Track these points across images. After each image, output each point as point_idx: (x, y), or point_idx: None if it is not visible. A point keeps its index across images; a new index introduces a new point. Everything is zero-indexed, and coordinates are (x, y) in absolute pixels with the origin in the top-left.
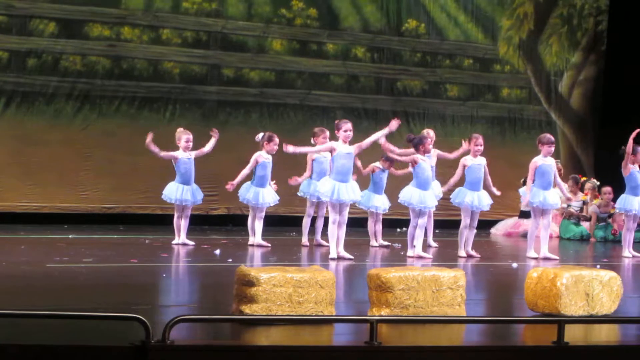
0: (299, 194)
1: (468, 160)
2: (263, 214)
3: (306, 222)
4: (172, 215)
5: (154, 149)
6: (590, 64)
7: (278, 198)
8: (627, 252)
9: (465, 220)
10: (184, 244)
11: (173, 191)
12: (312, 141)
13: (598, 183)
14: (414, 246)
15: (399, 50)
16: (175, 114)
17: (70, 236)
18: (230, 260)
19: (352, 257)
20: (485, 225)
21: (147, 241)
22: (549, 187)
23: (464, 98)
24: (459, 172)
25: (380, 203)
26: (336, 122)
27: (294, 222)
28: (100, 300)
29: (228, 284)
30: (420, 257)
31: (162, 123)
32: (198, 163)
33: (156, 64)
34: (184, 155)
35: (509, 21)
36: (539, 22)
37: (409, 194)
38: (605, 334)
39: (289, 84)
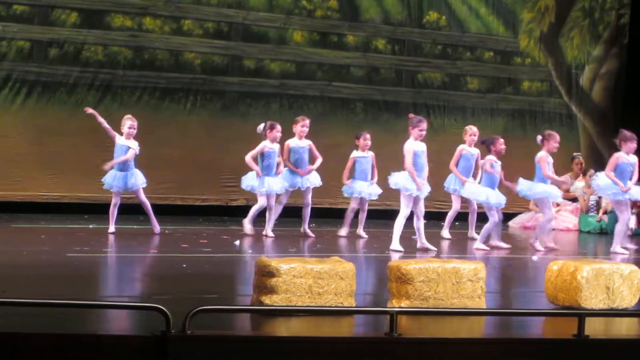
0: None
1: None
2: (273, 203)
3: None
4: (192, 206)
5: (100, 118)
6: (612, 57)
7: (287, 185)
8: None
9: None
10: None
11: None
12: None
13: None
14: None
15: (420, 42)
16: (196, 104)
17: (90, 226)
18: (250, 251)
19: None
20: (505, 218)
21: (166, 231)
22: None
23: (485, 91)
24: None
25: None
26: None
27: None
28: (121, 290)
29: (248, 275)
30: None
31: (182, 114)
32: (218, 153)
33: (177, 55)
34: (124, 141)
35: (530, 14)
36: (560, 15)
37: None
38: (626, 327)
39: (309, 75)
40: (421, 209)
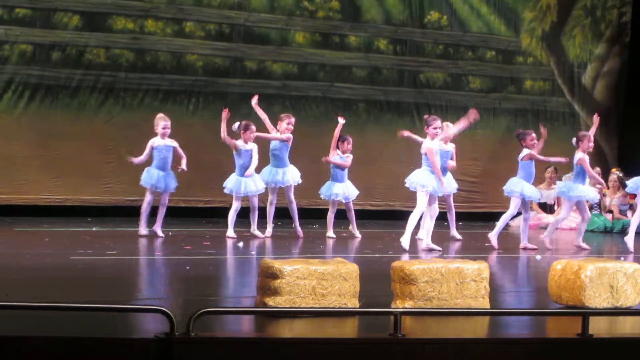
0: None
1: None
2: (256, 203)
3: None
4: (195, 208)
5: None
6: (614, 55)
7: (263, 187)
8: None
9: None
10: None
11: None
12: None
13: (621, 175)
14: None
15: (422, 42)
16: (198, 106)
17: (94, 229)
18: (253, 252)
19: (440, 248)
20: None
21: (170, 234)
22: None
23: (487, 90)
24: None
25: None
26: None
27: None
28: (124, 293)
29: (251, 276)
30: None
31: (185, 116)
32: (221, 155)
33: (179, 57)
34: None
35: (532, 13)
36: (562, 14)
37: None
38: (630, 326)
39: (311, 76)
40: (435, 209)
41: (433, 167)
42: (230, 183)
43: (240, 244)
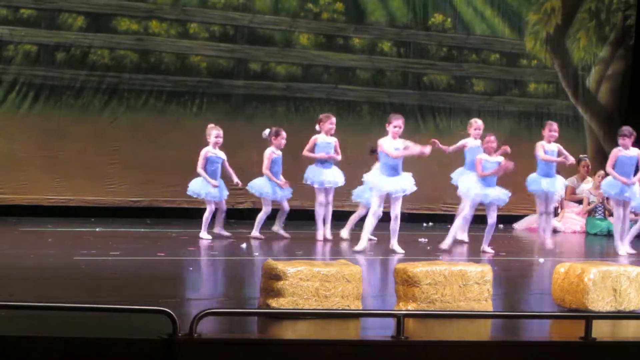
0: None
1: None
2: (287, 206)
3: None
4: (201, 209)
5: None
6: (618, 58)
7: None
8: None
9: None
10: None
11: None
12: (316, 127)
13: None
14: None
15: (425, 44)
16: (202, 108)
17: (97, 229)
18: (256, 254)
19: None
20: (508, 220)
21: (173, 235)
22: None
23: (491, 93)
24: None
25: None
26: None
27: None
28: (127, 294)
29: (255, 278)
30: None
31: (189, 117)
32: (227, 156)
33: (183, 58)
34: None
35: (536, 16)
36: (567, 17)
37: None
38: (633, 330)
39: (315, 78)
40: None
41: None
42: (261, 187)
43: (244, 246)
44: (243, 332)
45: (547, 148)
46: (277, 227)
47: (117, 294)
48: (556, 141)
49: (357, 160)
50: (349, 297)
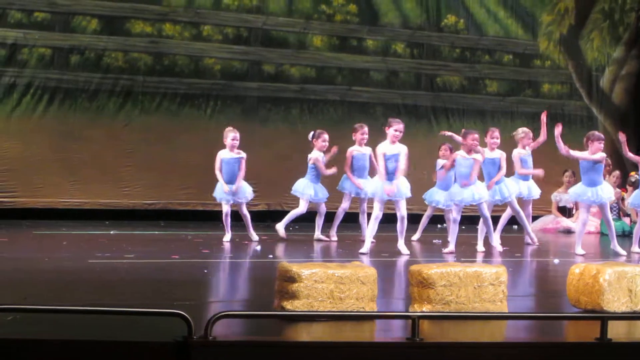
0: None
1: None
2: (324, 209)
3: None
4: (215, 212)
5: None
6: (632, 58)
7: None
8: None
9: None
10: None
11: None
12: (352, 137)
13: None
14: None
15: (439, 45)
16: (215, 110)
17: (111, 232)
18: (270, 256)
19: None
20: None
21: (188, 237)
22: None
23: (504, 94)
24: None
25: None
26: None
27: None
28: (142, 296)
29: (269, 280)
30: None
31: (203, 119)
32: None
33: (197, 61)
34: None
35: (550, 16)
36: (580, 17)
37: None
38: None
39: (329, 80)
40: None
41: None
42: (304, 188)
43: (258, 248)
44: (258, 334)
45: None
46: (317, 233)
47: (132, 297)
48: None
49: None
50: (363, 299)
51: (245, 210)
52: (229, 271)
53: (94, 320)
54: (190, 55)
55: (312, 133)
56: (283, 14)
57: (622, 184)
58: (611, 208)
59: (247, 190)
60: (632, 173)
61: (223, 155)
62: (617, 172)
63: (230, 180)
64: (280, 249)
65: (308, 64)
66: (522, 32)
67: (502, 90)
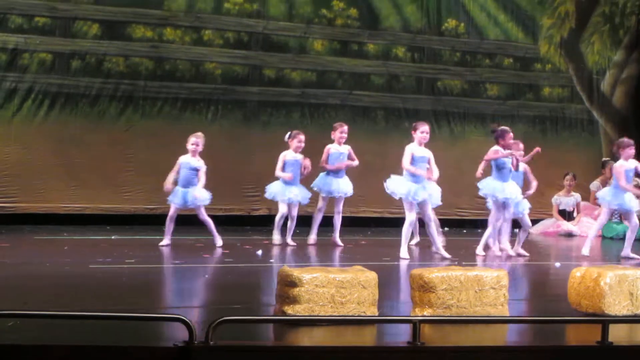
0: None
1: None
2: (295, 212)
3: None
4: (217, 216)
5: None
6: (633, 62)
7: (309, 195)
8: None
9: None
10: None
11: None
12: (332, 136)
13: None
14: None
15: (439, 49)
16: (217, 115)
17: (113, 237)
18: (272, 260)
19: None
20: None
21: (189, 242)
22: None
23: (505, 97)
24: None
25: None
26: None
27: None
28: (143, 301)
29: (270, 285)
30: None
31: (204, 124)
32: (240, 163)
33: (198, 65)
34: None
35: (550, 20)
36: (581, 21)
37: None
38: None
39: (330, 84)
40: (428, 215)
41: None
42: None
43: (259, 252)
44: (259, 339)
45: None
46: (288, 237)
47: (133, 302)
48: (569, 147)
49: (372, 166)
50: (364, 303)
51: (204, 216)
52: (230, 276)
53: (96, 326)
54: (191, 60)
55: (288, 133)
56: (284, 19)
57: None
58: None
59: (200, 197)
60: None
61: (182, 159)
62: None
63: (186, 186)
64: (281, 253)
65: (309, 68)
66: (522, 35)
67: (503, 94)
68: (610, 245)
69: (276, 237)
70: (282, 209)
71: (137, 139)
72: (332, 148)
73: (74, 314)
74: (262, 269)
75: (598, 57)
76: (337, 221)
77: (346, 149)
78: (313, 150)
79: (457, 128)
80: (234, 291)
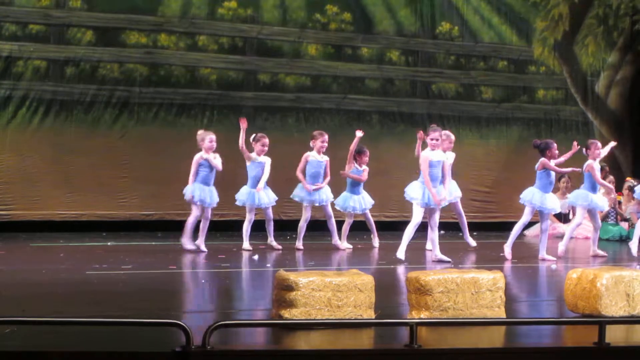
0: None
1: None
2: (271, 214)
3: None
4: (213, 222)
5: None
6: (627, 63)
7: (275, 199)
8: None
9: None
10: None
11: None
12: (310, 144)
13: (636, 183)
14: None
15: (434, 53)
16: (212, 120)
17: (109, 243)
18: (268, 265)
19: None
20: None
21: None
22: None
23: (499, 100)
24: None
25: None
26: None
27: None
28: (140, 307)
29: (267, 289)
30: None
31: (199, 129)
32: (236, 169)
33: (193, 71)
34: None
35: (544, 22)
36: (574, 23)
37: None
38: None
39: (324, 88)
40: (435, 220)
41: (424, 177)
42: (243, 195)
43: (256, 257)
44: (256, 343)
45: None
46: (270, 239)
47: (130, 308)
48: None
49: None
50: (361, 306)
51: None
52: (226, 281)
53: (93, 332)
54: (186, 66)
55: (253, 136)
56: (278, 23)
57: (618, 188)
58: (609, 213)
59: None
60: (628, 178)
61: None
62: (612, 178)
63: (207, 183)
64: (277, 257)
65: (303, 73)
66: (516, 38)
67: (498, 97)
68: (606, 246)
69: (299, 243)
70: (307, 214)
71: (132, 145)
72: (311, 156)
73: (71, 320)
74: (259, 273)
75: (592, 59)
76: (332, 225)
77: (325, 159)
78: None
79: (452, 131)
80: (231, 295)
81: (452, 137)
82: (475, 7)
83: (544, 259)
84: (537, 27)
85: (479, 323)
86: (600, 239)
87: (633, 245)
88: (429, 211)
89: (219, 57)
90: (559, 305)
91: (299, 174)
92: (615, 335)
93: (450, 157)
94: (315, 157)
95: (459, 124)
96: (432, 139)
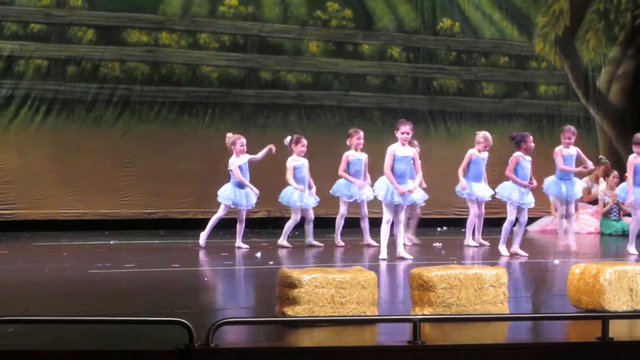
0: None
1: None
2: (311, 215)
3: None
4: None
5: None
6: (629, 58)
7: (318, 199)
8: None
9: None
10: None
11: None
12: (347, 142)
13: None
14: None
15: (435, 49)
16: (214, 118)
17: (111, 242)
18: (271, 262)
19: (411, 257)
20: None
21: (188, 245)
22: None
23: (501, 96)
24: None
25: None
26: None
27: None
28: (143, 305)
29: (270, 286)
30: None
31: (201, 127)
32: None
33: (194, 69)
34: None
35: (545, 18)
36: (575, 18)
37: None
38: None
39: (326, 85)
40: (399, 217)
41: (385, 171)
42: (288, 196)
43: (258, 254)
44: (259, 340)
45: (565, 153)
46: (310, 239)
47: (133, 306)
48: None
49: (369, 166)
50: (364, 303)
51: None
52: (229, 278)
53: (96, 330)
54: (187, 64)
55: (289, 138)
56: (279, 21)
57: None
58: (611, 208)
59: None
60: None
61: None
62: (615, 173)
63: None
64: (280, 255)
65: (305, 70)
66: (517, 34)
67: (499, 93)
68: (609, 241)
69: (338, 238)
70: (343, 209)
71: (134, 143)
72: (350, 155)
73: (74, 319)
74: (262, 270)
75: (593, 54)
76: (365, 224)
77: (364, 156)
78: (310, 151)
79: (454, 127)
80: (234, 293)
81: (490, 138)
82: (476, 3)
83: (515, 253)
84: (538, 23)
85: (482, 319)
86: (602, 234)
87: (630, 247)
88: (393, 207)
89: (220, 55)
90: (562, 301)
91: (342, 173)
92: (618, 330)
93: (484, 157)
94: (355, 155)
95: (460, 120)
96: (402, 133)
